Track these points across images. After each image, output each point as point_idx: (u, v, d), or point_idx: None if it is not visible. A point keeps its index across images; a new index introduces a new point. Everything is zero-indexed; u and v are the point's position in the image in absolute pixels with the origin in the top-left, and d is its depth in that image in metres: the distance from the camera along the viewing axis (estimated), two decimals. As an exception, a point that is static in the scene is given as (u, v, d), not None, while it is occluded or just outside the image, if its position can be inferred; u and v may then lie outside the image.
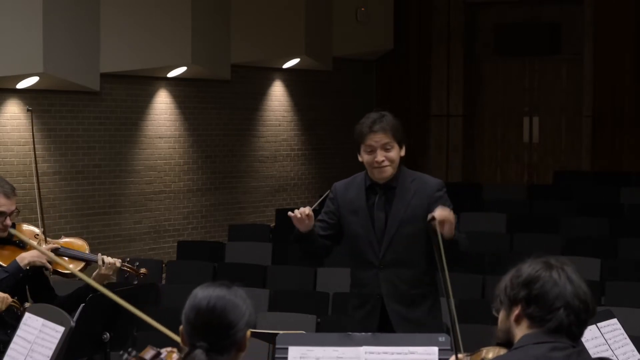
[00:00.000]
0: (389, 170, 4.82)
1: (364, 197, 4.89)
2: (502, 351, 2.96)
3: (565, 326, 2.80)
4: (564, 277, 2.83)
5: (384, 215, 4.85)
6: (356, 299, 4.98)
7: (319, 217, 4.99)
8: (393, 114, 4.93)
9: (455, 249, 4.61)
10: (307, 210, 4.73)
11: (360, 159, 4.90)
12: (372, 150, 4.81)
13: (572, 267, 2.88)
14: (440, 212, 4.47)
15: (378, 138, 4.78)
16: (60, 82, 9.34)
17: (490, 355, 3.02)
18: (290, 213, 4.75)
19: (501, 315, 2.93)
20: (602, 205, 11.04)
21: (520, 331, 2.86)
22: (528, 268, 2.87)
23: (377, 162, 4.79)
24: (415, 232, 4.79)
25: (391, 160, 4.80)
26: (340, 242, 5.02)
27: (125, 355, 2.86)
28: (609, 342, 4.02)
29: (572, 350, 2.81)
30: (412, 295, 4.82)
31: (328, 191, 5.06)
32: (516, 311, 2.86)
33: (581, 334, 2.85)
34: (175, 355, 2.85)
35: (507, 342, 2.93)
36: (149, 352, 2.86)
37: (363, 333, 3.86)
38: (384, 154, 4.78)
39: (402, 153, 4.87)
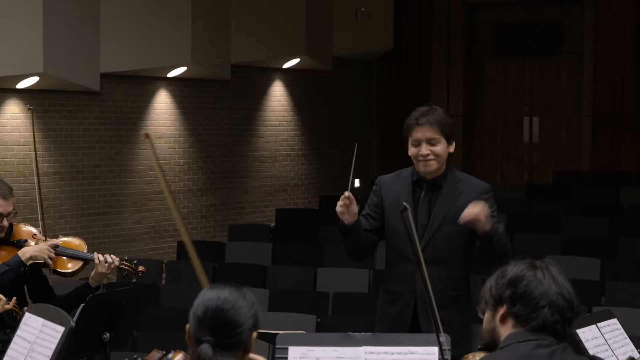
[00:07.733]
0: (433, 164, 4.74)
1: (410, 192, 4.81)
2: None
3: (550, 324, 2.82)
4: (549, 276, 2.86)
5: (427, 212, 4.77)
6: (389, 295, 4.86)
7: (363, 211, 4.88)
8: (443, 110, 4.84)
9: (488, 249, 4.56)
10: (346, 193, 4.62)
11: (409, 152, 4.82)
12: (417, 144, 4.75)
13: (556, 267, 2.91)
14: (470, 211, 4.48)
15: (424, 131, 4.73)
16: (60, 82, 9.34)
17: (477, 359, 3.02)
18: (337, 208, 4.64)
19: (487, 316, 2.95)
20: (602, 205, 11.03)
21: (505, 330, 2.88)
22: (513, 269, 2.90)
23: (421, 155, 4.73)
24: (456, 232, 4.69)
25: (436, 155, 4.73)
26: (384, 236, 4.90)
27: None
28: (609, 342, 4.02)
29: (556, 347, 2.82)
30: (447, 296, 4.67)
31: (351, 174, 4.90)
32: (501, 311, 2.88)
33: (566, 333, 2.86)
34: (180, 355, 2.87)
35: (492, 342, 2.94)
36: (155, 355, 2.87)
37: (363, 333, 3.85)
38: (429, 148, 4.72)
39: (451, 149, 4.80)
